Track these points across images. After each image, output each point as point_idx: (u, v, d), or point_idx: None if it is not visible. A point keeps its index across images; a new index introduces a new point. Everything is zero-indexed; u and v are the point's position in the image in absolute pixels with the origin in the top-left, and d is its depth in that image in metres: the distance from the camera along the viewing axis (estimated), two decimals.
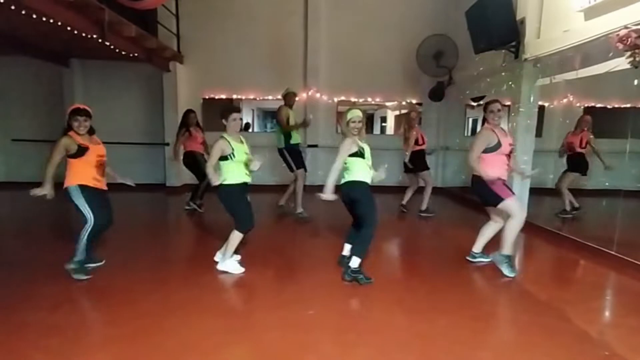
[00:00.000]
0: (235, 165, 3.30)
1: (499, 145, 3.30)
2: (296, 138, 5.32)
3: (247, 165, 3.36)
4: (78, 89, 7.41)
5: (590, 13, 3.93)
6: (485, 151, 3.34)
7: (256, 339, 2.35)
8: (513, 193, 3.38)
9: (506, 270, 3.36)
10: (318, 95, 7.64)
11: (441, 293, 3.04)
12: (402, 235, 5.04)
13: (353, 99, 7.82)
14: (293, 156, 5.31)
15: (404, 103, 8.06)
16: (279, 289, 3.09)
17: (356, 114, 3.16)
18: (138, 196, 6.34)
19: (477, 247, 3.70)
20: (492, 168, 3.30)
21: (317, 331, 2.41)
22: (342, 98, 7.81)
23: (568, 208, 5.58)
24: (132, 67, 7.23)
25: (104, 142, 3.30)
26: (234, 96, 7.73)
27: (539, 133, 5.95)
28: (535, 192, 5.35)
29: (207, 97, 7.67)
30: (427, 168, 5.72)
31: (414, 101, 7.89)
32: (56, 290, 2.91)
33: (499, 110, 3.35)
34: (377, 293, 3.06)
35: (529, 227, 4.91)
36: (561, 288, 3.22)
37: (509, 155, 3.39)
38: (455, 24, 6.61)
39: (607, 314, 2.88)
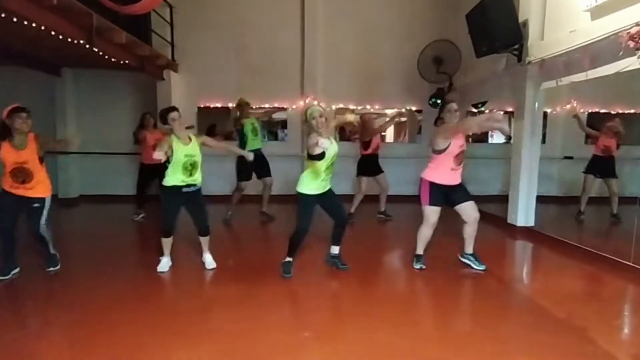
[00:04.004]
0: (174, 166, 3.11)
1: (449, 146, 3.37)
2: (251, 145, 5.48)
3: (191, 168, 3.13)
4: (70, 98, 7.22)
5: (597, 12, 3.78)
6: (436, 152, 3.43)
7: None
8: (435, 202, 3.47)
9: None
10: (315, 103, 7.46)
11: (451, 313, 2.79)
12: (391, 245, 4.80)
13: (351, 107, 7.64)
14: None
15: (403, 110, 7.89)
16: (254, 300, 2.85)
17: (316, 109, 3.15)
18: (128, 208, 6.15)
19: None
20: (437, 169, 3.45)
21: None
22: (341, 105, 7.64)
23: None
24: (125, 76, 7.06)
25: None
26: (230, 104, 7.53)
27: (542, 139, 5.76)
28: (543, 200, 5.14)
29: (202, 105, 7.50)
30: (382, 171, 5.84)
31: (413, 108, 7.73)
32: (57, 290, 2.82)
33: (455, 111, 3.41)
34: (379, 311, 2.81)
35: (537, 236, 4.69)
36: (580, 304, 2.98)
37: (458, 157, 3.44)
38: (455, 29, 6.47)
39: (635, 333, 2.62)
